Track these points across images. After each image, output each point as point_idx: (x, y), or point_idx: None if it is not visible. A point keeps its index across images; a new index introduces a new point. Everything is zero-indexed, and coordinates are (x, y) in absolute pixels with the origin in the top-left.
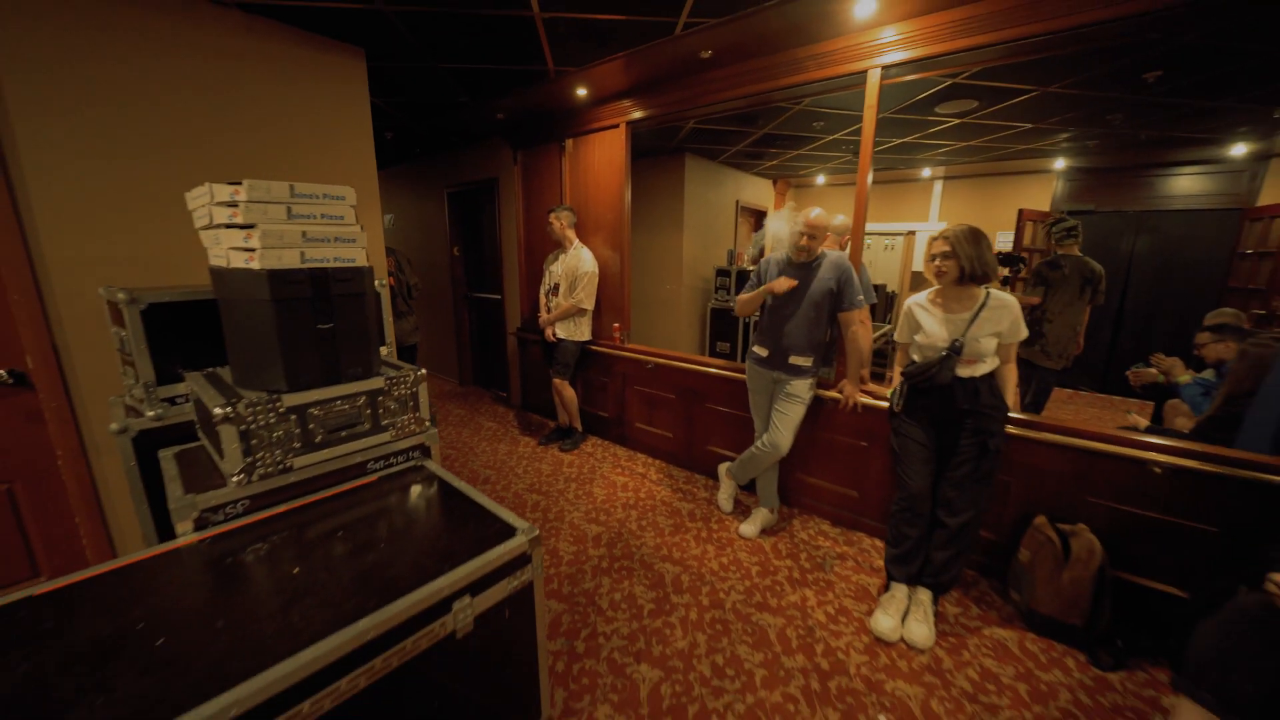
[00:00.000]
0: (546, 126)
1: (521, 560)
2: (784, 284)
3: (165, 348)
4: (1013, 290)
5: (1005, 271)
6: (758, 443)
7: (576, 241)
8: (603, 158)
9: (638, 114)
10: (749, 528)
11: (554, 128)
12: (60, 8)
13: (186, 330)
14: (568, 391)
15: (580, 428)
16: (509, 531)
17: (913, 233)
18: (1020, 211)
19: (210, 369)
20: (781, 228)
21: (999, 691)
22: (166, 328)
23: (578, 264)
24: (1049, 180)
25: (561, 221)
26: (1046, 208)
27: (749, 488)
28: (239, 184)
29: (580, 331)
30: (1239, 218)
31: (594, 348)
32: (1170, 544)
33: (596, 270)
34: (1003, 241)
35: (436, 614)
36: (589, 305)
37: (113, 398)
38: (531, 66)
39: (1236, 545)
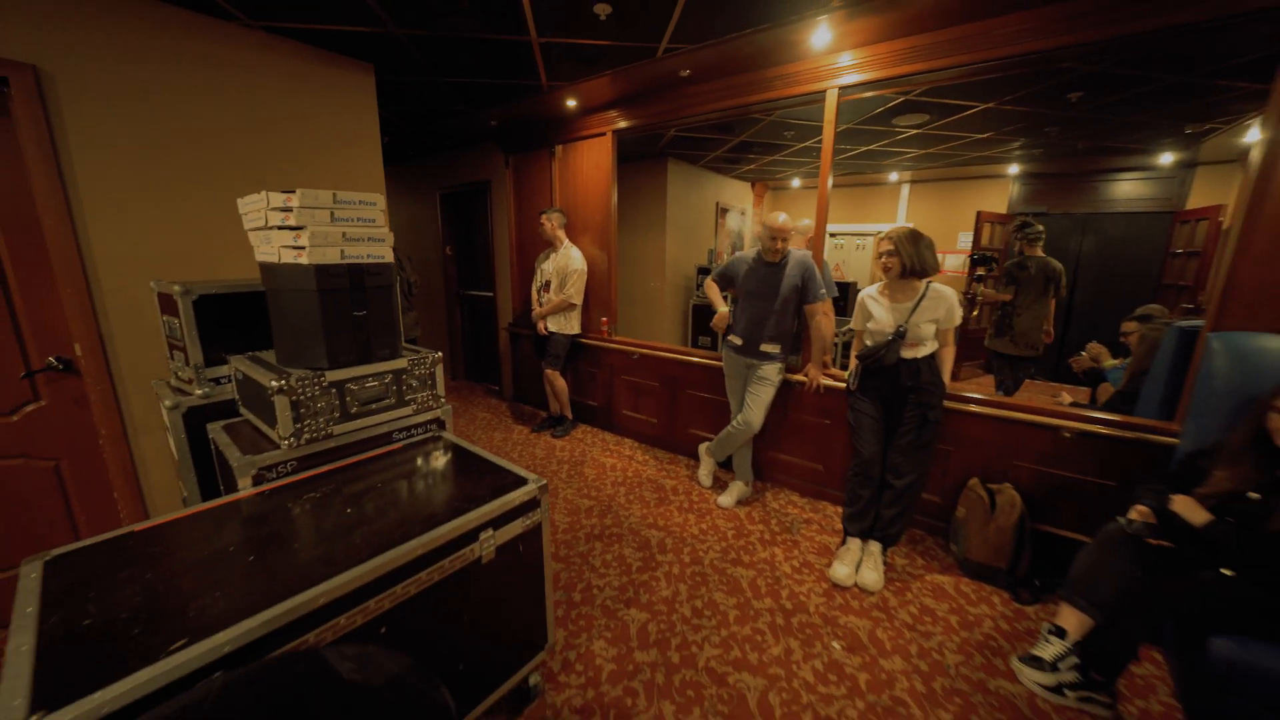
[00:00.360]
0: (537, 133)
1: (532, 504)
2: (720, 322)
3: (208, 335)
4: (985, 287)
5: (981, 270)
6: (734, 421)
7: (566, 241)
8: (591, 163)
9: (623, 124)
10: (726, 499)
11: (544, 134)
12: (114, 43)
13: (227, 320)
14: (559, 381)
15: (571, 415)
16: (521, 481)
17: (882, 233)
18: (978, 213)
19: (250, 353)
20: (741, 222)
21: (934, 622)
22: (210, 317)
23: (568, 262)
24: (1005, 184)
25: (553, 222)
26: (1004, 209)
27: (727, 465)
28: (292, 193)
29: (570, 325)
30: (1170, 220)
31: (583, 341)
32: (1078, 498)
33: (585, 268)
34: (964, 241)
35: (467, 541)
36: (578, 301)
37: (155, 381)
38: (526, 81)
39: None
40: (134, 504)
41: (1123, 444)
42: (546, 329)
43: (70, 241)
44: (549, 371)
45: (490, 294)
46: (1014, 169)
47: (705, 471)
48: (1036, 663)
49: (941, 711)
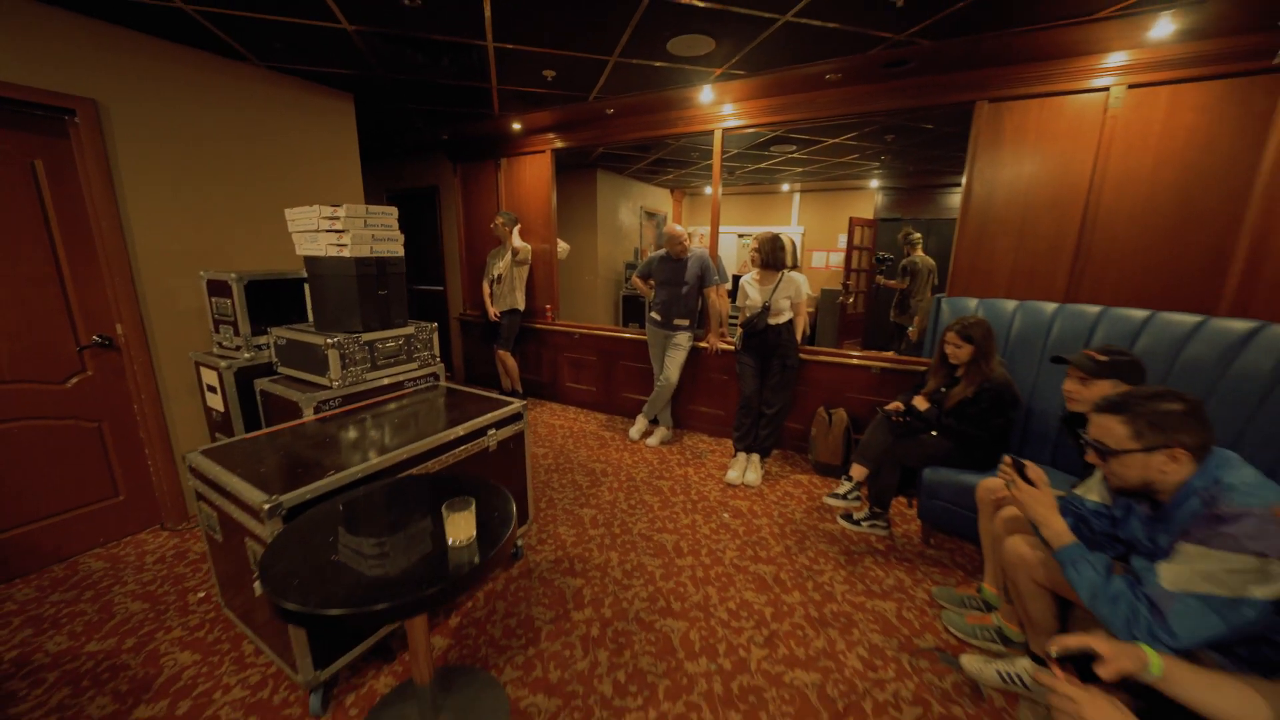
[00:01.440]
0: (485, 148)
1: (518, 416)
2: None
3: (252, 312)
4: (884, 279)
5: (882, 267)
6: (657, 381)
7: (512, 239)
8: (533, 175)
9: (560, 144)
10: (652, 440)
11: (491, 148)
12: (154, 80)
13: (263, 300)
14: (510, 360)
15: (521, 390)
16: (509, 403)
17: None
18: (850, 218)
19: (286, 325)
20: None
21: (791, 500)
22: (252, 299)
23: (517, 255)
24: (871, 195)
25: (505, 226)
26: (871, 215)
27: (655, 423)
28: (339, 206)
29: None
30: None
31: (530, 325)
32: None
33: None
34: (841, 241)
35: (481, 434)
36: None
37: (192, 352)
38: (481, 110)
39: None
40: (165, 455)
41: (902, 373)
42: (497, 315)
43: (120, 241)
44: (501, 352)
45: (440, 288)
46: (875, 183)
47: (637, 428)
48: (835, 495)
49: (786, 540)
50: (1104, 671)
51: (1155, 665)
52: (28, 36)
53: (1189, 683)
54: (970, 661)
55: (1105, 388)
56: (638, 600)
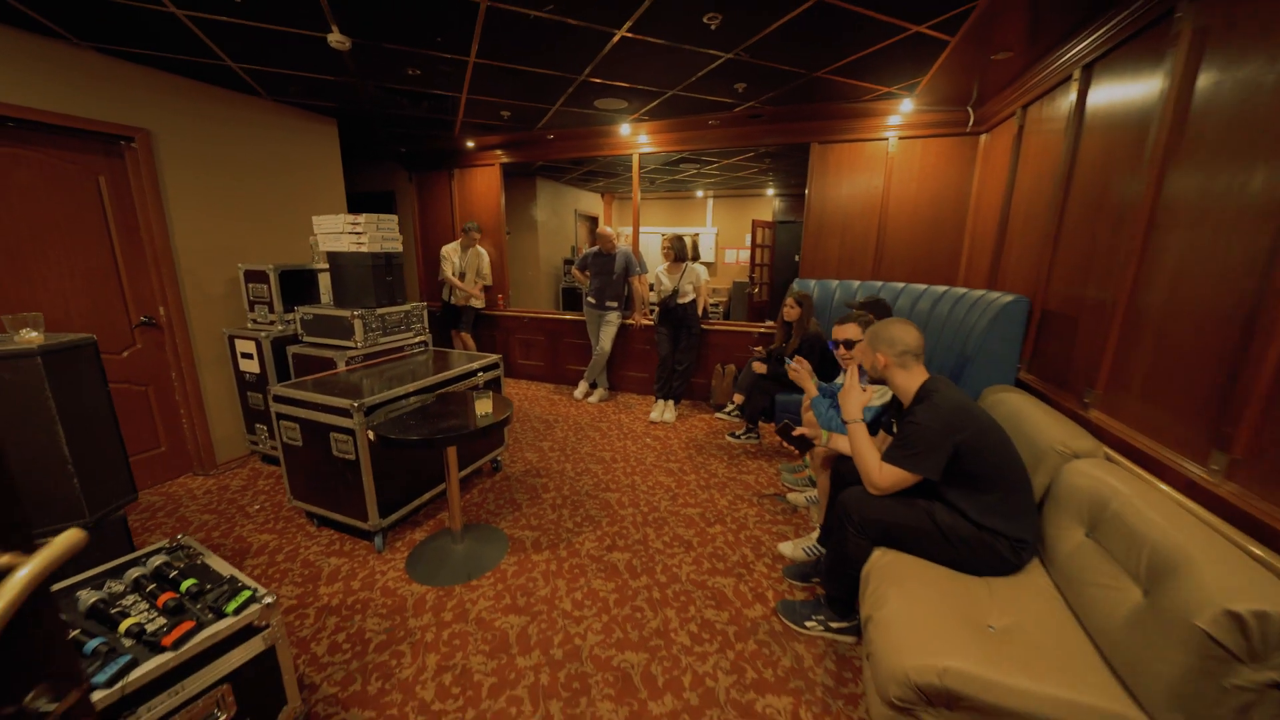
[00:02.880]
0: (439, 159)
1: (496, 365)
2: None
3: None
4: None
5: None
6: (594, 353)
7: (478, 244)
8: (483, 185)
9: (507, 159)
10: (593, 399)
11: (445, 161)
12: (193, 112)
13: (287, 286)
14: (470, 340)
15: None
16: (488, 356)
17: (696, 234)
18: (753, 221)
19: (306, 305)
20: (567, 222)
21: (697, 429)
22: (282, 284)
23: (479, 258)
24: (770, 200)
25: (471, 235)
26: (770, 218)
27: (595, 386)
28: (359, 216)
29: (478, 299)
30: None
31: (486, 312)
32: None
33: (487, 255)
34: (748, 240)
35: (470, 375)
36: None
37: (225, 329)
38: (441, 132)
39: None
40: (199, 415)
41: (770, 335)
42: (463, 302)
43: (165, 241)
44: (464, 334)
45: None
46: (771, 191)
47: (579, 391)
48: (719, 408)
49: (690, 450)
50: (808, 434)
51: (824, 437)
52: (94, 79)
53: (839, 443)
54: (793, 497)
55: (851, 327)
56: (586, 486)
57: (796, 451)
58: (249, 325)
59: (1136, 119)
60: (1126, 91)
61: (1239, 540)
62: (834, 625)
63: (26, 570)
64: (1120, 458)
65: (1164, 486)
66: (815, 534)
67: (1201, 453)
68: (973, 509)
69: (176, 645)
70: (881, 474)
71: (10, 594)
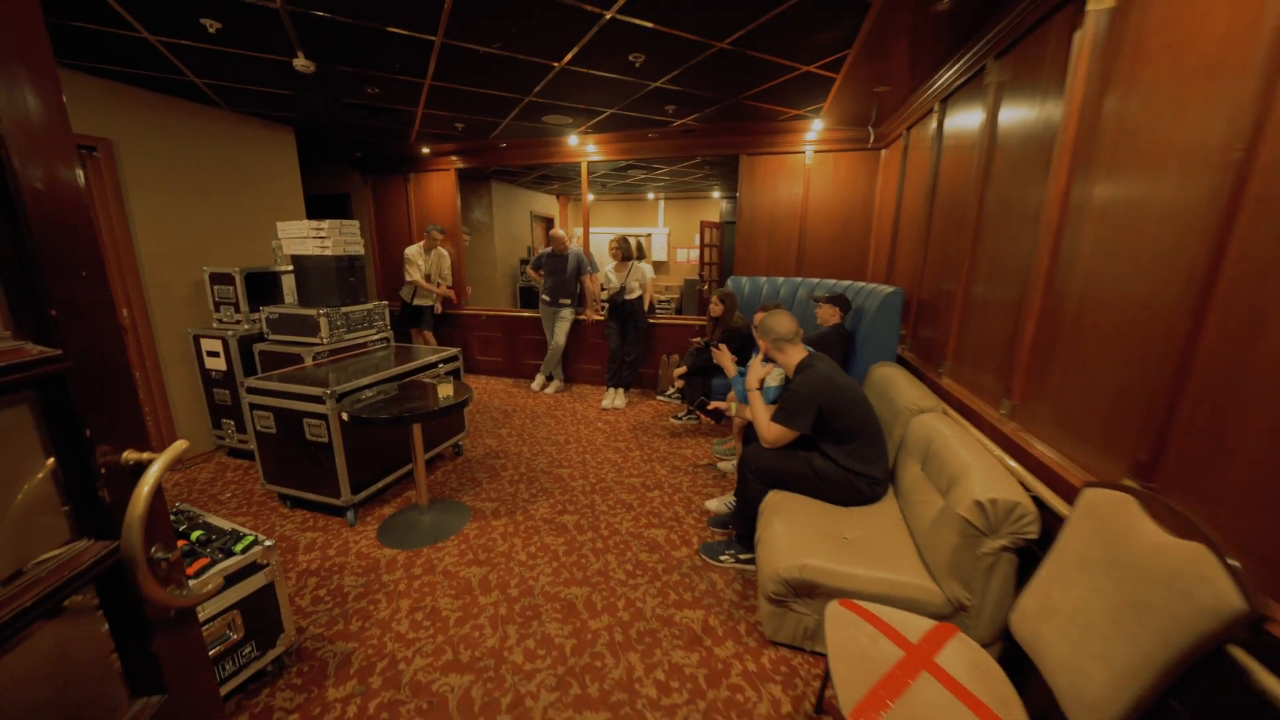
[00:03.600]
0: (395, 164)
1: (455, 358)
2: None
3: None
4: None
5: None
6: (550, 347)
7: (440, 246)
8: (439, 189)
9: (462, 165)
10: (549, 390)
11: (401, 165)
12: (155, 123)
13: (252, 287)
14: (431, 338)
15: None
16: (448, 349)
17: (649, 235)
18: (701, 222)
19: (271, 304)
20: (523, 224)
21: (644, 414)
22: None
23: (442, 259)
24: (717, 202)
25: (434, 237)
26: (717, 219)
27: (551, 378)
28: (323, 221)
29: (438, 300)
30: None
31: (446, 311)
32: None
33: (449, 257)
34: (697, 240)
35: (431, 367)
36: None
37: (190, 329)
38: (398, 141)
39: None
40: (164, 411)
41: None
42: (432, 301)
43: (129, 246)
44: (425, 332)
45: None
46: (717, 193)
47: (536, 383)
48: (664, 393)
49: (636, 432)
50: (721, 406)
51: (734, 408)
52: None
53: (747, 413)
54: (723, 465)
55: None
56: (541, 464)
57: (714, 422)
58: (215, 325)
59: (969, 144)
60: (964, 122)
61: (1006, 460)
62: (742, 557)
63: (159, 462)
64: (954, 412)
65: (974, 430)
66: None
67: (997, 402)
68: (838, 456)
69: (197, 575)
70: (769, 430)
71: (153, 478)
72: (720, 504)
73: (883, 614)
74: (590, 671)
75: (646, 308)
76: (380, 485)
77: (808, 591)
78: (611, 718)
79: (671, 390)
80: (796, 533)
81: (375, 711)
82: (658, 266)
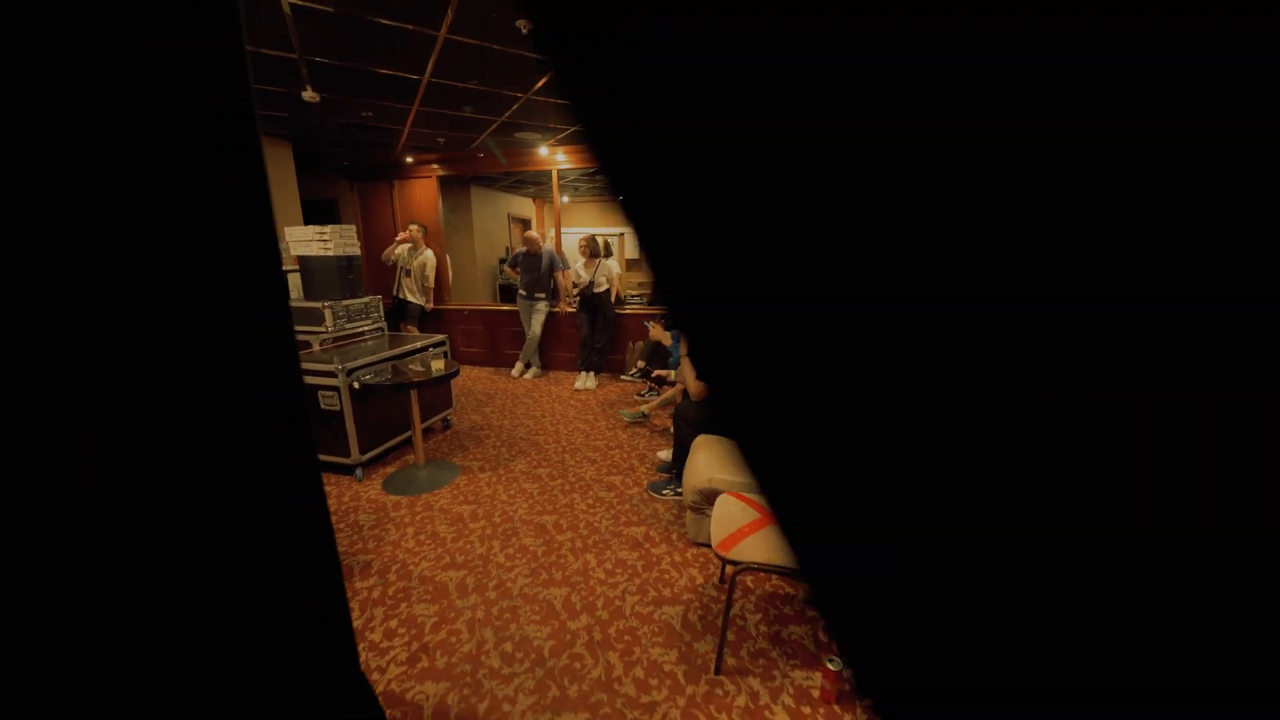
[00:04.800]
0: (380, 172)
1: (442, 343)
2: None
3: None
4: None
5: None
6: (527, 337)
7: (423, 244)
8: (422, 194)
9: (443, 173)
10: (527, 376)
11: (385, 173)
12: None
13: None
14: (417, 332)
15: None
16: (438, 336)
17: (622, 234)
18: None
19: None
20: (501, 226)
21: (612, 394)
22: None
23: (425, 258)
24: None
25: (415, 234)
26: None
27: (529, 365)
28: (326, 227)
29: (426, 297)
30: None
31: (430, 307)
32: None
33: (434, 260)
34: None
35: (425, 349)
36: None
37: None
38: (383, 151)
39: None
40: None
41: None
42: (405, 298)
43: None
44: (411, 327)
45: None
46: None
47: (516, 370)
48: (629, 374)
49: (605, 406)
50: (663, 374)
51: (673, 375)
52: None
53: (675, 376)
54: (642, 408)
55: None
56: (520, 433)
57: (657, 388)
58: None
59: None
60: None
61: None
62: (679, 490)
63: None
64: None
65: None
66: None
67: None
68: None
69: None
70: (694, 386)
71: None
72: (668, 454)
73: (753, 497)
74: (557, 566)
75: (614, 300)
76: (381, 449)
77: (714, 498)
78: (571, 592)
79: (634, 371)
80: (711, 460)
81: (394, 595)
82: (632, 264)
